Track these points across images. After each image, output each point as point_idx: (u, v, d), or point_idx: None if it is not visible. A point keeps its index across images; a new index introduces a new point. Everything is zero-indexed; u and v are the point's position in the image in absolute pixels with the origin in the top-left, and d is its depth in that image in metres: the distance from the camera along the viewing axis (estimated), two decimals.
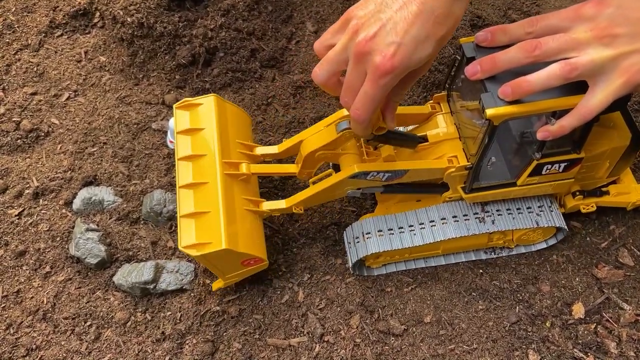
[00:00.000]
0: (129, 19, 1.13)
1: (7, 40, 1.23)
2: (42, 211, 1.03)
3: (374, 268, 0.95)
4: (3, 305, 0.95)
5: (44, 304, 0.94)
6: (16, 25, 1.25)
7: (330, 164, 0.90)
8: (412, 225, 0.89)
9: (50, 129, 1.12)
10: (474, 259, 0.96)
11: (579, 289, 0.93)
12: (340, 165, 0.86)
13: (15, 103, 1.14)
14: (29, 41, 1.23)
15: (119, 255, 0.98)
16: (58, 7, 1.26)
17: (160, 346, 0.90)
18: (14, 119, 1.12)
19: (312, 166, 0.88)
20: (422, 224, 0.89)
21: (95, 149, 1.09)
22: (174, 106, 0.89)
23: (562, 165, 0.79)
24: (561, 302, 0.92)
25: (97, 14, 1.24)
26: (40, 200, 1.04)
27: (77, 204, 1.02)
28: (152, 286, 0.93)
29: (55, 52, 1.22)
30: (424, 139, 0.86)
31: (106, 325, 0.92)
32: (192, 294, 0.94)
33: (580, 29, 0.64)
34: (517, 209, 0.89)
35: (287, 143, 0.90)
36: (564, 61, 0.64)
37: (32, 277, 0.97)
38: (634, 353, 0.86)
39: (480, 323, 0.91)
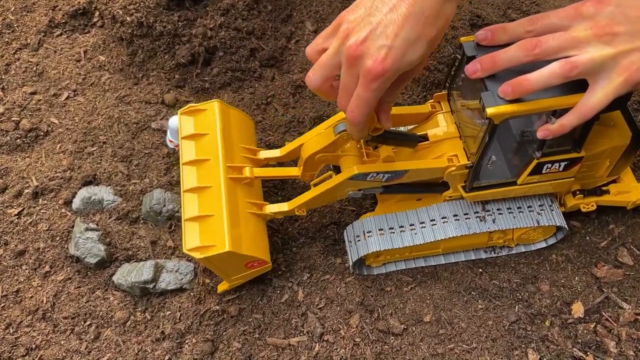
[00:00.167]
0: (128, 19, 1.13)
1: (7, 39, 1.23)
2: (42, 211, 1.03)
3: (374, 267, 0.95)
4: (2, 304, 0.95)
5: (43, 303, 0.94)
6: (15, 25, 1.25)
7: (331, 165, 0.90)
8: (412, 224, 0.89)
9: (49, 128, 1.12)
10: (473, 258, 0.96)
11: (578, 288, 0.93)
12: (341, 167, 0.86)
13: (14, 102, 1.14)
14: (29, 40, 1.23)
15: (118, 254, 0.98)
16: (57, 6, 1.26)
17: (160, 345, 0.90)
18: (14, 118, 1.12)
19: (313, 168, 0.89)
20: (423, 222, 0.89)
21: (94, 149, 1.09)
22: (179, 112, 0.91)
23: (563, 164, 0.79)
24: (560, 301, 0.92)
25: (97, 13, 1.24)
26: (40, 200, 1.04)
27: (76, 203, 1.02)
28: (151, 286, 0.93)
29: (55, 51, 1.22)
30: (424, 137, 0.86)
31: (106, 325, 0.92)
32: (191, 294, 0.94)
33: (580, 27, 0.64)
34: (518, 207, 0.89)
35: (289, 146, 0.90)
36: (564, 60, 0.64)
37: (31, 276, 0.97)
38: (633, 352, 0.87)
39: (479, 322, 0.91)
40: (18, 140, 1.10)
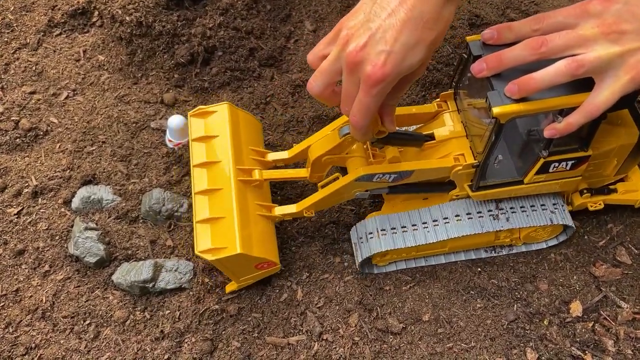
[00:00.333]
0: (127, 18, 1.13)
1: (6, 39, 1.23)
2: (41, 210, 1.03)
3: (381, 266, 0.95)
4: (2, 304, 0.95)
5: (43, 302, 0.94)
6: (15, 24, 1.25)
7: (338, 167, 0.90)
8: (425, 223, 0.89)
9: (49, 128, 1.12)
10: (473, 257, 0.96)
11: (576, 287, 0.94)
12: (347, 168, 0.86)
13: (14, 102, 1.14)
14: (28, 40, 1.23)
15: (117, 254, 0.98)
16: (57, 6, 1.26)
17: (159, 345, 0.90)
18: (13, 118, 1.12)
19: (321, 170, 0.89)
20: (436, 221, 0.89)
21: (94, 148, 1.09)
22: (189, 114, 0.92)
23: (570, 163, 0.79)
24: (559, 300, 0.92)
25: (96, 13, 1.24)
26: (39, 199, 1.04)
27: (76, 202, 1.02)
28: (151, 285, 0.93)
29: (54, 51, 1.22)
30: (430, 137, 0.86)
31: (105, 324, 0.93)
32: (191, 293, 0.94)
33: (587, 25, 0.64)
34: (531, 206, 0.89)
35: (296, 148, 0.91)
36: (570, 58, 0.64)
37: (31, 275, 0.97)
38: (631, 351, 0.87)
39: (478, 321, 0.91)
40: (17, 140, 1.10)
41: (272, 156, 0.94)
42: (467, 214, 0.88)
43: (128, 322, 0.93)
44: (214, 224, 0.83)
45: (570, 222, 0.88)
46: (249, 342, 0.90)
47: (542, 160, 0.78)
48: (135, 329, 0.92)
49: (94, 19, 1.24)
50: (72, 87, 1.17)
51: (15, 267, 0.98)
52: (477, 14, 1.22)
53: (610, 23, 0.63)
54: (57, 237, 1.00)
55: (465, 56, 0.77)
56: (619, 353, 0.87)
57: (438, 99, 0.89)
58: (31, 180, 1.05)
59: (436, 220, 0.89)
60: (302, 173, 0.92)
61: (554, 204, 0.89)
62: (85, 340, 0.91)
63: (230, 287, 0.92)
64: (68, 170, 1.06)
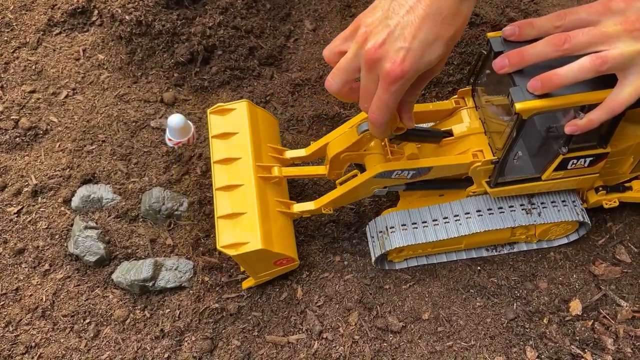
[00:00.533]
0: (127, 17, 1.13)
1: (6, 38, 1.23)
2: (41, 209, 1.03)
3: (396, 262, 0.95)
4: (2, 302, 0.95)
5: (43, 301, 0.94)
6: (14, 24, 1.25)
7: (355, 163, 0.91)
8: (446, 218, 0.89)
9: (48, 127, 1.12)
10: (474, 256, 0.96)
11: (576, 285, 0.94)
12: (365, 165, 0.87)
13: (13, 101, 1.14)
14: (27, 39, 1.23)
15: (117, 252, 0.98)
16: (56, 5, 1.26)
17: (159, 343, 0.90)
18: (13, 117, 1.12)
19: (339, 167, 0.90)
20: (457, 216, 0.89)
21: (93, 147, 1.09)
22: (208, 111, 0.92)
23: (588, 160, 0.79)
24: (559, 298, 0.92)
25: (96, 12, 1.24)
26: (39, 198, 1.04)
27: (75, 201, 1.02)
28: (150, 284, 0.93)
29: (54, 50, 1.22)
30: (449, 133, 0.86)
31: (105, 323, 0.93)
32: (190, 292, 0.94)
33: (610, 22, 0.64)
34: (563, 201, 0.89)
35: (314, 146, 0.91)
36: (594, 54, 0.64)
37: (31, 274, 0.97)
38: (630, 349, 0.87)
39: (478, 320, 0.91)
40: (17, 139, 1.10)
41: (290, 154, 0.94)
42: (488, 209, 0.88)
43: (128, 320, 0.93)
44: (235, 220, 0.83)
45: (587, 219, 0.89)
46: (249, 340, 0.90)
47: (561, 157, 0.77)
48: (135, 327, 0.92)
49: (94, 18, 1.24)
50: (72, 86, 1.17)
51: (15, 266, 0.98)
52: (477, 12, 1.22)
53: (633, 20, 0.63)
54: (57, 236, 1.00)
55: (485, 52, 0.77)
56: (619, 351, 0.87)
57: (455, 96, 0.89)
58: (31, 179, 1.05)
59: (457, 215, 0.89)
60: (320, 170, 0.92)
61: (573, 201, 0.89)
62: (85, 339, 0.91)
63: (247, 283, 0.93)
64: (68, 169, 1.06)
